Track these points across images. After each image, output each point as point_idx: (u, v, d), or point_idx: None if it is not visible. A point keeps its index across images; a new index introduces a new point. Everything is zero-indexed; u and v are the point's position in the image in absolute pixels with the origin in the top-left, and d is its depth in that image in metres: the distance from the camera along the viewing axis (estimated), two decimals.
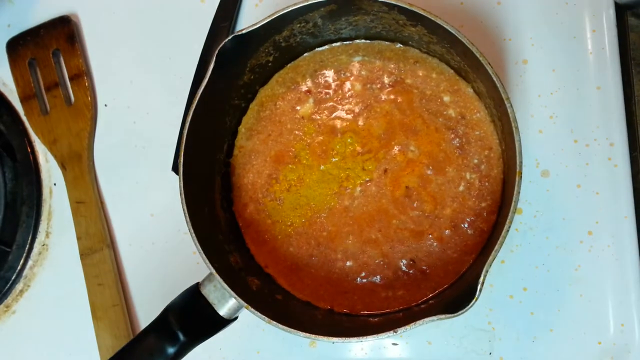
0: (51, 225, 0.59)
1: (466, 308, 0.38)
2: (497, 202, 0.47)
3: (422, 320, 0.39)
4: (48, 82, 0.59)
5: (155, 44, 0.58)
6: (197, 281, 0.46)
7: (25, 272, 0.59)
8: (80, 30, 0.60)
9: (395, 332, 0.40)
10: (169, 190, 0.53)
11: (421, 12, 0.42)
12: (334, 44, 0.51)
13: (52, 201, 0.59)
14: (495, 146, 0.48)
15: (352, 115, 0.50)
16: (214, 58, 0.43)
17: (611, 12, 0.51)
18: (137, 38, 0.59)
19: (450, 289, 0.47)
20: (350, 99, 0.50)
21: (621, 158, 0.50)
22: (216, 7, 0.57)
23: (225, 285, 0.42)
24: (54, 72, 0.59)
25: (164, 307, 0.45)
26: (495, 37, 0.53)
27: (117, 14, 0.59)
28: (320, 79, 0.51)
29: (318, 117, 0.51)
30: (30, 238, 0.59)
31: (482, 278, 0.39)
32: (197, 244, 0.43)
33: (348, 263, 0.49)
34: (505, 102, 0.40)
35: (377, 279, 0.48)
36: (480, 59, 0.41)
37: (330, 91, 0.51)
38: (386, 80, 0.50)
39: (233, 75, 0.48)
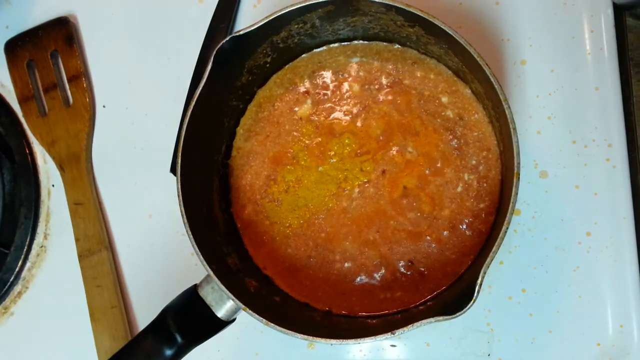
0: (49, 227, 0.59)
1: (464, 309, 0.38)
2: (495, 203, 0.47)
3: (420, 321, 0.39)
4: (46, 83, 0.59)
5: (154, 45, 0.58)
6: (195, 283, 0.46)
7: (24, 273, 0.59)
8: (78, 32, 0.60)
9: (394, 334, 0.40)
10: (167, 191, 0.53)
11: (419, 13, 0.42)
12: (332, 45, 0.51)
13: (51, 202, 0.59)
14: (494, 147, 0.48)
15: (350, 116, 0.50)
16: (212, 59, 0.43)
17: (609, 12, 0.51)
18: (135, 39, 0.59)
19: (449, 290, 0.47)
20: (349, 100, 0.50)
21: (620, 159, 0.50)
22: (214, 8, 0.56)
23: (223, 287, 0.42)
24: (52, 74, 0.59)
25: (162, 308, 0.45)
26: (493, 38, 0.53)
27: (115, 15, 0.59)
28: (318, 80, 0.51)
29: (316, 118, 0.51)
30: (28, 239, 0.59)
31: (480, 279, 0.39)
32: (195, 245, 0.43)
33: (346, 264, 0.49)
34: (503, 103, 0.40)
35: (376, 280, 0.48)
36: (478, 59, 0.41)
37: (329, 92, 0.51)
38: (384, 81, 0.50)
39: (231, 76, 0.48)
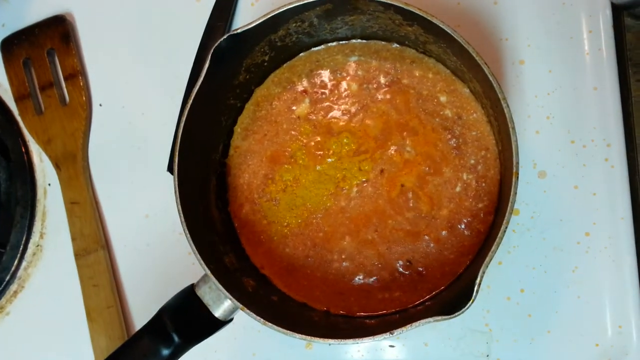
0: (45, 226, 0.58)
1: (463, 310, 0.38)
2: (494, 203, 0.47)
3: (419, 321, 0.39)
4: (43, 81, 0.59)
5: (151, 43, 0.58)
6: (192, 282, 0.45)
7: (20, 273, 0.58)
8: (75, 30, 0.60)
9: (392, 334, 0.40)
10: (164, 190, 0.53)
11: (417, 11, 0.42)
12: (330, 44, 0.51)
13: (47, 202, 0.59)
14: (492, 147, 0.47)
15: (348, 115, 0.50)
16: (209, 57, 0.43)
17: (608, 12, 0.51)
18: (132, 37, 0.59)
19: (447, 290, 0.47)
20: (347, 99, 0.50)
21: (618, 159, 0.50)
22: (212, 6, 0.56)
23: (221, 287, 0.42)
24: (48, 72, 0.59)
25: (159, 308, 0.44)
26: (491, 37, 0.52)
27: (112, 14, 0.59)
28: (316, 79, 0.51)
29: (314, 117, 0.50)
30: (24, 239, 0.58)
31: (478, 279, 0.38)
32: (192, 244, 0.43)
33: (344, 264, 0.49)
34: (502, 102, 0.40)
35: (374, 280, 0.48)
36: (477, 58, 0.41)
37: (327, 91, 0.51)
38: (382, 80, 0.50)
39: (228, 74, 0.48)
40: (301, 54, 0.51)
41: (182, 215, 0.43)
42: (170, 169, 0.55)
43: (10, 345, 0.58)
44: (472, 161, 0.48)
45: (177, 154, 0.44)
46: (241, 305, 0.42)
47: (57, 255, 0.57)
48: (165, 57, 0.58)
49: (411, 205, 0.48)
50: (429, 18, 0.41)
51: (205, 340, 0.45)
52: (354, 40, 0.50)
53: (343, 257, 0.49)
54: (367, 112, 0.50)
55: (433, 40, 0.46)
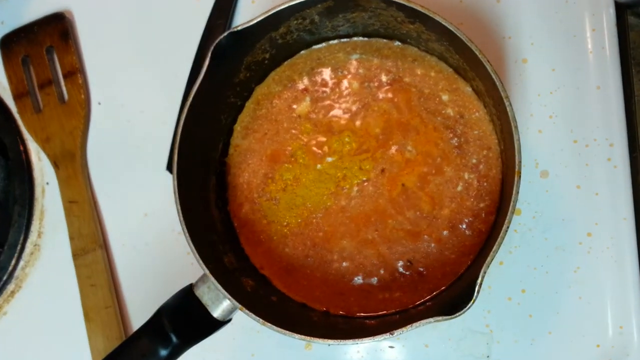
0: (43, 225, 0.58)
1: (463, 310, 0.38)
2: (495, 202, 0.47)
3: (419, 322, 0.39)
4: (41, 79, 0.59)
5: (150, 41, 0.58)
6: (191, 282, 0.45)
7: (17, 272, 0.58)
8: (74, 28, 0.59)
9: (392, 334, 0.40)
10: (163, 189, 0.52)
11: (419, 9, 0.41)
12: (331, 42, 0.50)
13: (45, 200, 0.58)
14: (494, 146, 0.47)
15: (349, 114, 0.50)
16: (209, 55, 0.42)
17: (611, 11, 0.50)
18: (131, 35, 0.58)
19: (448, 290, 0.47)
20: (348, 98, 0.50)
21: (621, 159, 0.50)
22: (212, 4, 0.56)
23: (219, 286, 0.42)
24: (47, 70, 0.58)
25: (157, 308, 0.44)
26: (494, 36, 0.52)
27: (112, 11, 0.59)
28: (317, 77, 0.51)
29: (315, 116, 0.50)
30: (22, 238, 0.58)
31: (479, 279, 0.38)
32: (191, 244, 0.42)
33: (344, 264, 0.48)
34: (505, 100, 0.40)
35: (374, 280, 0.48)
36: (480, 56, 0.40)
37: (328, 89, 0.50)
38: (384, 78, 0.49)
39: (229, 72, 0.48)
40: (302, 52, 0.51)
41: (181, 214, 0.43)
42: (169, 167, 0.55)
43: (8, 345, 0.57)
44: (474, 160, 0.47)
45: (176, 152, 0.44)
46: (240, 305, 0.42)
47: (55, 254, 0.57)
48: (165, 55, 0.57)
49: (412, 204, 0.48)
50: (431, 15, 0.41)
51: (204, 341, 0.44)
52: (355, 38, 0.50)
53: (343, 257, 0.48)
54: (369, 110, 0.49)
55: (435, 38, 0.46)
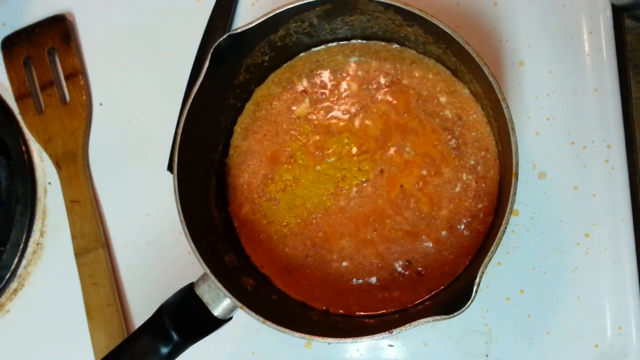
0: (46, 225, 0.58)
1: (462, 309, 0.38)
2: (493, 203, 0.47)
3: (418, 321, 0.39)
4: (43, 80, 0.59)
5: (151, 43, 0.58)
6: (191, 281, 0.45)
7: (20, 271, 0.58)
8: (75, 29, 0.60)
9: (391, 333, 0.40)
10: (164, 189, 0.53)
11: (417, 12, 0.42)
12: (330, 44, 0.51)
13: (47, 200, 0.59)
14: (492, 147, 0.47)
15: (348, 115, 0.50)
16: (209, 57, 0.43)
17: (608, 13, 0.51)
18: (132, 37, 0.59)
19: (447, 290, 0.47)
20: (347, 100, 0.50)
21: (618, 160, 0.50)
22: (212, 6, 0.56)
23: (220, 285, 0.42)
24: (49, 71, 0.59)
25: (158, 307, 0.44)
26: (491, 38, 0.52)
27: (113, 13, 0.59)
28: (316, 79, 0.51)
29: (314, 117, 0.50)
30: (24, 237, 0.58)
31: (478, 279, 0.38)
32: (192, 243, 0.43)
33: (344, 264, 0.49)
34: (502, 103, 0.40)
35: (373, 280, 0.48)
36: (477, 59, 0.41)
37: (327, 91, 0.51)
38: (382, 80, 0.50)
39: (228, 74, 0.48)
40: (301, 54, 0.51)
41: (181, 214, 0.43)
42: (170, 168, 0.55)
43: (10, 343, 0.58)
44: (472, 162, 0.48)
45: (176, 153, 0.44)
46: (240, 304, 0.42)
47: (57, 253, 0.58)
48: (166, 57, 0.58)
49: (411, 205, 0.48)
50: (428, 18, 0.41)
51: (205, 339, 0.45)
52: (354, 41, 0.50)
53: (342, 256, 0.49)
54: (367, 112, 0.50)
55: (433, 40, 0.46)
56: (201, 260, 0.43)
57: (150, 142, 0.57)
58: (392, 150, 0.49)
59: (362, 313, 0.48)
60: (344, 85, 0.50)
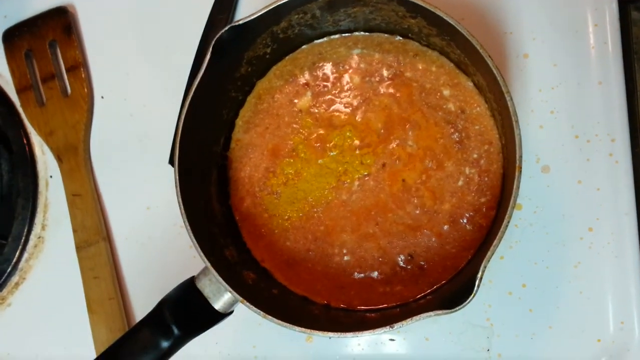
0: (47, 218, 0.58)
1: (464, 304, 0.38)
2: (496, 197, 0.47)
3: (419, 315, 0.39)
4: (44, 73, 0.59)
5: (153, 35, 0.58)
6: (192, 275, 0.45)
7: (21, 264, 0.58)
8: (77, 21, 0.59)
9: (392, 328, 0.40)
10: (166, 183, 0.52)
11: (421, 3, 0.41)
12: (332, 37, 0.50)
13: (48, 193, 0.59)
14: (495, 141, 0.47)
15: (350, 108, 0.50)
16: (210, 49, 0.43)
17: (614, 5, 0.50)
18: (134, 29, 0.58)
19: (449, 284, 0.47)
20: (349, 92, 0.50)
21: (622, 154, 0.50)
22: None
23: (220, 279, 0.42)
24: (50, 64, 0.59)
25: (159, 300, 0.44)
26: (496, 31, 0.52)
27: (114, 5, 0.59)
28: (318, 72, 0.51)
29: (316, 111, 0.50)
30: (26, 230, 0.58)
31: (480, 274, 0.38)
32: (193, 237, 0.43)
33: (345, 258, 0.49)
34: (506, 95, 0.40)
35: (375, 274, 0.48)
36: (481, 51, 0.40)
37: (329, 84, 0.50)
38: (385, 73, 0.49)
39: (230, 67, 0.48)
40: (303, 47, 0.51)
41: (182, 207, 0.43)
42: (171, 161, 0.55)
43: (12, 336, 0.58)
44: (475, 155, 0.47)
45: (177, 146, 0.44)
46: (241, 298, 0.42)
47: (59, 247, 0.58)
48: (167, 49, 0.57)
49: (413, 199, 0.48)
50: (432, 10, 0.41)
51: (206, 333, 0.45)
52: (356, 33, 0.50)
53: (344, 251, 0.49)
54: (370, 105, 0.49)
55: (436, 32, 0.46)
56: (202, 254, 0.43)
57: (151, 135, 0.57)
58: (394, 144, 0.48)
59: (363, 307, 0.47)
60: (346, 77, 0.50)
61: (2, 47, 0.60)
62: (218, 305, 0.43)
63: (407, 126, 0.48)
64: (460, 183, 0.47)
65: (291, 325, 0.41)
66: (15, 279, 0.58)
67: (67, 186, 0.57)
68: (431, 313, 0.38)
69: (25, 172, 0.59)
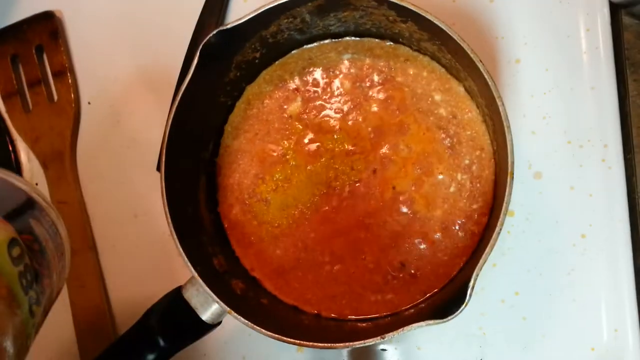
0: None
1: (456, 313, 0.37)
2: (488, 203, 0.46)
3: (411, 325, 0.38)
4: (30, 78, 0.58)
5: (141, 40, 0.57)
6: (181, 284, 0.44)
7: None
8: (63, 26, 0.59)
9: (383, 339, 0.39)
10: (154, 190, 0.51)
11: (411, 7, 0.41)
12: (322, 41, 0.50)
13: None
14: (487, 146, 0.47)
15: (341, 114, 0.49)
16: (198, 53, 0.42)
17: (605, 10, 0.50)
18: (121, 34, 0.57)
19: (441, 292, 0.46)
20: (340, 98, 0.49)
21: (615, 160, 0.49)
22: (203, 2, 0.55)
23: (207, 289, 0.41)
24: (36, 69, 0.58)
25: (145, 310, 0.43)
26: (487, 36, 0.52)
27: (102, 10, 0.58)
28: (308, 77, 0.50)
29: (306, 116, 0.50)
30: None
31: (472, 282, 0.38)
32: (179, 245, 0.42)
33: (336, 266, 0.48)
34: (497, 100, 0.40)
35: (366, 282, 0.47)
36: (472, 56, 0.40)
37: (319, 89, 0.50)
38: (376, 78, 0.49)
39: (218, 71, 0.47)
40: (293, 52, 0.50)
41: (169, 215, 0.42)
42: (159, 168, 0.54)
43: None
44: (467, 161, 0.47)
45: (164, 153, 0.43)
46: (229, 309, 0.41)
47: None
48: (156, 54, 0.57)
49: (404, 205, 0.47)
50: (423, 14, 0.41)
51: (194, 344, 0.44)
52: (347, 38, 0.50)
53: (335, 258, 0.48)
54: (361, 110, 0.49)
55: (427, 37, 0.45)
56: (189, 263, 0.42)
57: (139, 141, 0.56)
58: (385, 149, 0.48)
59: (354, 317, 0.47)
60: (336, 83, 0.49)
61: None
62: (205, 316, 0.42)
63: (398, 132, 0.48)
64: (452, 189, 0.47)
65: (280, 337, 0.40)
66: None
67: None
68: (422, 323, 0.38)
69: None
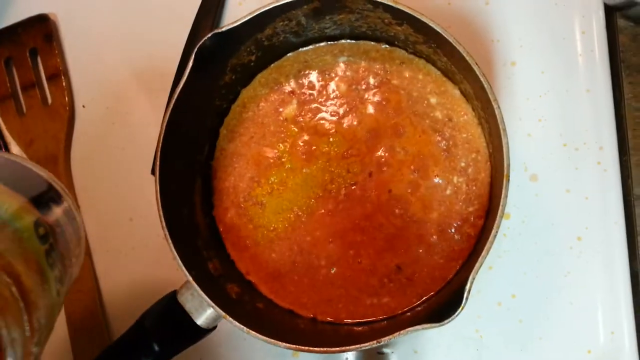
0: None
1: (452, 317, 0.37)
2: (484, 206, 0.46)
3: (407, 329, 0.38)
4: (25, 81, 0.58)
5: (136, 43, 0.57)
6: (177, 289, 0.44)
7: None
8: (58, 29, 0.58)
9: (379, 343, 0.39)
10: (149, 193, 0.51)
11: (407, 10, 0.41)
12: (318, 44, 0.50)
13: None
14: (483, 149, 0.47)
15: (336, 117, 0.49)
16: (193, 56, 0.42)
17: (600, 13, 0.50)
18: (116, 37, 0.57)
19: (437, 295, 0.46)
20: (335, 100, 0.49)
21: (611, 162, 0.49)
22: (198, 5, 0.55)
23: (202, 294, 0.41)
24: (30, 72, 0.57)
25: (140, 315, 0.43)
26: (483, 38, 0.52)
27: (96, 12, 0.58)
28: (304, 80, 0.50)
29: (302, 119, 0.49)
30: None
31: (469, 285, 0.37)
32: (174, 249, 0.41)
33: (332, 269, 0.48)
34: (493, 103, 0.39)
35: (362, 285, 0.47)
36: (467, 58, 0.40)
37: (315, 92, 0.50)
38: (372, 81, 0.49)
39: (213, 74, 0.47)
40: (289, 54, 0.50)
41: (163, 219, 0.42)
42: (154, 171, 0.54)
43: None
44: (463, 164, 0.47)
45: (159, 155, 0.43)
46: (224, 314, 0.41)
47: None
48: (150, 57, 0.56)
49: (400, 208, 0.47)
50: (418, 17, 0.41)
51: (190, 348, 0.43)
52: (342, 41, 0.49)
53: (331, 262, 0.48)
54: (356, 113, 0.49)
55: (423, 40, 0.45)
56: (183, 267, 0.41)
57: (134, 144, 0.56)
58: (381, 152, 0.48)
59: (350, 320, 0.46)
60: (332, 85, 0.49)
61: None
62: (200, 320, 0.42)
63: (394, 134, 0.48)
64: (448, 192, 0.47)
65: (275, 341, 0.40)
66: None
67: None
68: (419, 327, 0.38)
69: None
